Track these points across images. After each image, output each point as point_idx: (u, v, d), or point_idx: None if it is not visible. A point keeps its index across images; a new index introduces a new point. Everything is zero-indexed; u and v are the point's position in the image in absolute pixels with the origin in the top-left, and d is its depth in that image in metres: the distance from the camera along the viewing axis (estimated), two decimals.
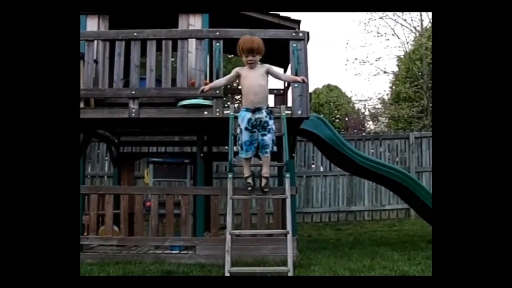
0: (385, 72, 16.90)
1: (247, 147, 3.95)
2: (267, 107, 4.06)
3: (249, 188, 4.12)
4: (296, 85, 4.80)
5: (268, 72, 4.10)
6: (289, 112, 4.69)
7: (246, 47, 3.96)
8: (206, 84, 4.92)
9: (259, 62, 4.10)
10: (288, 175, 4.00)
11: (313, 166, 10.19)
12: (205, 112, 4.80)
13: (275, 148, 3.99)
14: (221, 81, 4.32)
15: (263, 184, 4.10)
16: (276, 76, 4.31)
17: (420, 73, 15.10)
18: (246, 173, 4.14)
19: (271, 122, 3.98)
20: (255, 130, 3.96)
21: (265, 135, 3.94)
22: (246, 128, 3.95)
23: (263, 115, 3.97)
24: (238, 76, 4.15)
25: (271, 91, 6.67)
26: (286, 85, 6.23)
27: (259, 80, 4.02)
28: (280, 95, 6.47)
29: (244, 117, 3.97)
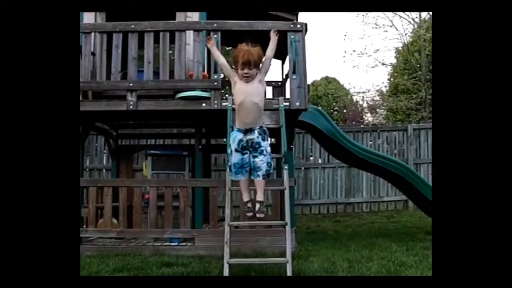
0: (383, 64, 16.90)
1: (237, 170, 3.65)
2: (261, 127, 3.72)
3: (249, 214, 3.69)
4: (294, 76, 4.80)
5: (263, 75, 3.76)
6: (287, 103, 4.70)
7: (242, 60, 3.61)
8: (204, 76, 4.92)
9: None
10: (286, 167, 4.00)
11: (311, 158, 10.19)
12: (203, 104, 4.80)
13: (271, 170, 3.70)
14: (221, 59, 3.99)
15: (256, 209, 3.65)
16: (267, 66, 3.84)
17: (418, 65, 15.07)
18: (245, 197, 3.76)
19: (264, 143, 3.67)
20: (246, 152, 3.65)
21: (256, 157, 3.62)
22: (236, 150, 3.66)
23: (254, 135, 3.65)
24: (232, 81, 3.80)
25: (269, 83, 6.68)
26: (284, 77, 6.21)
27: (253, 97, 3.65)
28: (278, 87, 6.46)
29: (235, 138, 3.68)
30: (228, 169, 3.72)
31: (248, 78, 3.65)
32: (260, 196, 3.67)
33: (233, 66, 3.93)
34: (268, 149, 3.68)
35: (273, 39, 3.79)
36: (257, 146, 3.64)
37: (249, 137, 3.65)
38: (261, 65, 3.69)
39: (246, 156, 3.65)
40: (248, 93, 3.65)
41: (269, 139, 3.77)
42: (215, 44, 4.08)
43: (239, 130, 3.69)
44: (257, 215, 3.64)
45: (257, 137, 3.65)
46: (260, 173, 3.61)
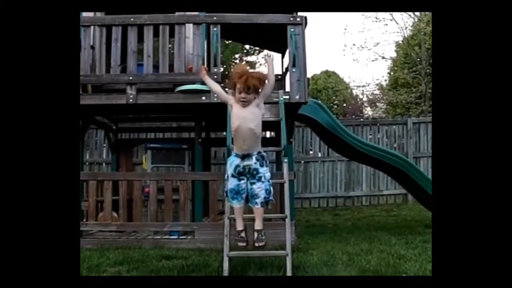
0: (383, 58, 16.87)
1: (233, 196, 3.44)
2: (259, 152, 3.50)
3: (242, 244, 3.43)
4: (294, 70, 4.80)
5: (261, 100, 3.53)
6: (287, 97, 4.70)
7: (240, 84, 3.37)
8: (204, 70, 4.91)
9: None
10: (286, 160, 4.00)
11: (311, 152, 10.20)
12: (203, 98, 4.80)
13: (271, 198, 3.46)
14: (217, 87, 3.80)
15: (255, 238, 3.41)
16: (268, 93, 3.64)
17: (418, 59, 15.04)
18: (239, 226, 3.49)
19: (262, 169, 3.44)
20: (242, 178, 3.45)
21: (254, 183, 3.41)
22: (232, 175, 3.46)
23: (252, 161, 3.44)
24: (228, 104, 3.63)
25: None
26: (284, 70, 6.21)
27: (249, 123, 3.42)
28: (278, 80, 6.45)
29: (232, 163, 3.49)
30: (224, 194, 3.52)
31: (245, 103, 3.43)
32: (258, 225, 3.43)
33: (227, 87, 3.78)
34: (267, 175, 3.46)
35: (269, 64, 3.57)
36: (254, 172, 3.42)
37: (246, 162, 3.44)
38: (260, 89, 3.46)
39: (242, 182, 3.44)
40: (243, 118, 3.43)
41: (268, 164, 3.53)
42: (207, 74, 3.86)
43: (236, 155, 3.49)
44: (256, 244, 3.38)
45: (255, 163, 3.44)
46: (258, 200, 3.40)
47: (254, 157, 3.45)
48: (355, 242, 4.94)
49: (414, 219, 7.14)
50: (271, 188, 3.47)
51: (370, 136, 10.09)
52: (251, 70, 3.48)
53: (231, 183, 3.46)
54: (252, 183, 3.42)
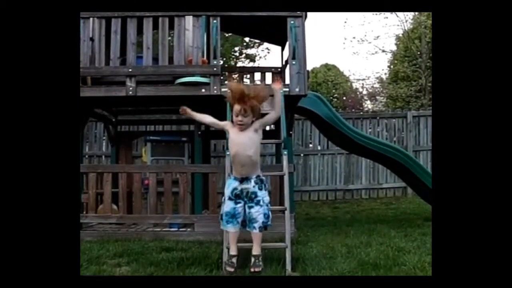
0: (383, 51, 16.84)
1: (228, 219, 3.28)
2: (257, 176, 3.36)
3: (230, 270, 3.15)
4: (294, 62, 4.79)
5: (260, 127, 3.39)
6: (287, 89, 4.69)
7: (236, 107, 3.23)
8: (203, 62, 4.90)
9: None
10: (285, 152, 4.00)
11: (310, 145, 10.20)
12: (203, 90, 4.79)
13: (269, 222, 3.30)
14: (206, 118, 3.66)
15: (251, 263, 3.20)
16: (268, 121, 3.54)
17: (418, 52, 15.01)
18: (232, 250, 3.28)
19: (261, 193, 3.30)
20: (239, 201, 3.30)
21: (252, 207, 3.27)
22: (229, 198, 3.32)
23: (250, 185, 3.30)
24: (225, 130, 3.49)
25: (268, 69, 6.66)
26: (284, 63, 6.20)
27: (247, 150, 3.29)
28: (278, 73, 6.44)
29: (230, 185, 3.36)
30: (219, 217, 3.38)
31: (242, 126, 3.28)
32: (256, 250, 3.24)
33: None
34: (266, 199, 3.32)
35: (277, 93, 3.38)
36: (253, 196, 3.29)
37: (244, 186, 3.31)
38: (259, 108, 3.31)
39: (239, 205, 3.30)
40: (241, 145, 3.30)
41: (267, 188, 3.42)
42: (190, 111, 3.66)
43: (235, 178, 3.36)
44: (252, 270, 3.15)
45: (253, 186, 3.31)
46: (256, 225, 3.24)
47: (252, 181, 3.32)
48: (354, 234, 4.95)
49: (413, 212, 7.16)
50: (270, 213, 3.30)
51: (370, 130, 10.08)
52: (249, 88, 3.26)
53: (227, 206, 3.31)
54: (250, 207, 3.28)
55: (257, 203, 3.27)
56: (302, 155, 9.96)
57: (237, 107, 3.22)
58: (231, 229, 3.28)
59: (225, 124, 3.49)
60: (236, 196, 3.31)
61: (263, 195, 3.31)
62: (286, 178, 3.89)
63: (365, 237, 4.74)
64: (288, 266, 3.37)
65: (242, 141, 3.30)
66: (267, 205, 3.30)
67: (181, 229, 5.11)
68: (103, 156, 9.72)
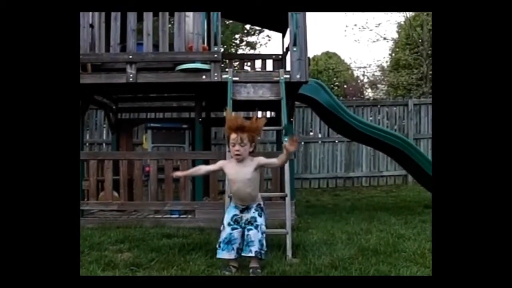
0: (384, 39, 16.78)
1: (224, 246, 3.13)
2: (258, 204, 3.28)
3: (228, 273, 3.04)
4: (294, 49, 4.77)
5: (260, 166, 3.27)
6: (288, 76, 4.67)
7: (233, 136, 3.13)
8: (204, 49, 4.88)
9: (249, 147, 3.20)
10: (286, 139, 3.99)
11: (311, 133, 10.20)
12: (203, 77, 4.77)
13: (264, 250, 3.11)
14: (201, 169, 3.59)
15: (250, 272, 3.06)
16: (270, 165, 3.43)
17: (420, 40, 14.93)
18: (231, 262, 3.16)
19: (260, 219, 3.20)
20: (237, 227, 3.18)
21: (250, 230, 3.14)
22: (228, 224, 3.20)
23: (251, 212, 3.22)
24: (222, 170, 3.35)
25: (269, 56, 6.63)
26: (284, 50, 6.17)
27: (246, 188, 3.19)
28: (279, 60, 6.41)
29: (230, 211, 3.27)
30: (217, 246, 3.20)
31: (239, 157, 3.16)
32: (254, 263, 3.09)
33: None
34: (263, 228, 3.19)
35: (286, 152, 3.17)
36: (252, 220, 3.18)
37: (245, 214, 3.22)
38: (255, 138, 3.20)
39: (235, 231, 3.16)
40: (241, 183, 3.20)
41: (266, 217, 3.30)
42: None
43: (236, 206, 3.28)
44: (252, 274, 3.04)
45: (254, 212, 3.22)
46: (253, 248, 3.07)
47: (253, 208, 3.24)
48: (354, 221, 4.97)
49: (413, 200, 7.18)
50: (265, 242, 3.15)
51: (371, 118, 10.07)
52: (245, 121, 3.15)
53: (224, 232, 3.18)
54: (248, 230, 3.15)
55: (256, 227, 3.15)
56: (302, 142, 9.95)
57: (233, 136, 3.13)
58: (226, 256, 3.11)
59: (221, 165, 3.34)
60: (235, 222, 3.20)
61: (261, 222, 3.21)
62: (286, 165, 3.88)
63: (365, 224, 4.76)
64: (289, 252, 3.39)
65: (241, 178, 3.19)
66: (262, 234, 3.15)
67: (181, 216, 5.13)
68: (104, 144, 9.72)
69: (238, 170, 3.20)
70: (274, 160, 3.28)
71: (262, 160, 3.24)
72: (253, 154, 3.23)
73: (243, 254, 3.10)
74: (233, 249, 3.11)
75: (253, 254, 3.06)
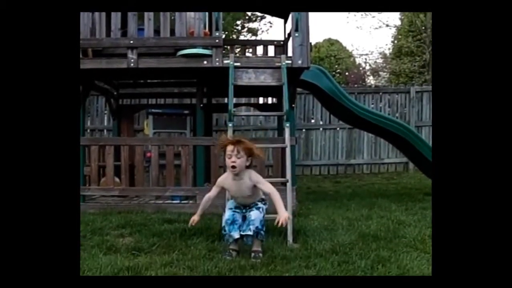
0: (387, 26, 16.65)
1: (229, 227, 3.12)
2: (260, 199, 3.28)
3: (229, 258, 3.00)
4: (296, 34, 4.74)
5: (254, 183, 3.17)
6: (289, 61, 4.64)
7: (229, 148, 3.11)
8: (205, 34, 4.84)
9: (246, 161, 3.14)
10: (288, 124, 3.98)
11: (312, 120, 10.18)
12: (205, 62, 4.74)
13: (263, 231, 3.09)
14: (207, 198, 3.36)
15: (251, 257, 3.03)
16: (264, 190, 3.25)
17: (423, 27, 14.82)
18: (232, 245, 3.17)
19: (261, 204, 3.23)
20: (238, 210, 3.21)
21: (252, 210, 3.15)
22: (230, 208, 3.24)
23: (252, 205, 3.24)
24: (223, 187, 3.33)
25: (271, 42, 6.59)
26: (286, 36, 6.13)
27: (247, 198, 3.22)
28: (280, 46, 6.38)
29: (231, 204, 3.30)
30: (222, 231, 3.20)
31: (235, 169, 3.10)
32: (256, 246, 3.06)
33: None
34: (264, 210, 3.20)
35: (278, 211, 3.05)
36: (253, 205, 3.22)
37: (248, 211, 3.21)
38: (252, 155, 3.15)
39: (237, 213, 3.19)
40: (241, 197, 3.23)
41: (267, 205, 3.28)
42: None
43: (237, 206, 3.28)
44: (253, 260, 2.97)
45: (256, 203, 3.24)
46: (252, 227, 3.06)
47: (254, 202, 3.25)
48: (355, 208, 4.98)
49: (414, 187, 7.19)
50: (264, 225, 3.13)
51: (372, 105, 10.03)
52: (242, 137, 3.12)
53: (226, 214, 3.20)
54: (250, 211, 3.16)
55: (257, 208, 3.18)
56: (304, 129, 9.94)
57: (230, 147, 3.09)
58: (234, 235, 3.09)
59: (220, 184, 3.31)
60: (237, 207, 3.24)
61: (263, 206, 3.22)
62: (288, 150, 3.89)
63: (366, 211, 4.77)
64: (290, 238, 3.40)
65: (243, 195, 3.21)
66: (263, 216, 3.15)
67: (183, 202, 5.14)
68: (105, 130, 9.71)
69: (239, 187, 3.18)
70: (269, 191, 3.13)
71: (259, 183, 3.13)
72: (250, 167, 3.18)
73: (242, 233, 3.08)
74: (237, 227, 3.11)
75: (251, 232, 3.05)
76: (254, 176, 3.15)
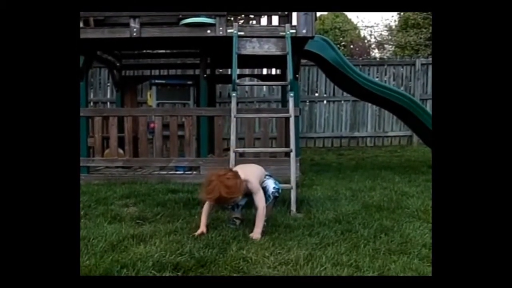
0: None
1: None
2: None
3: (231, 226, 3.00)
4: None
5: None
6: (294, 31, 4.57)
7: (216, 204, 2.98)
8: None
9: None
10: (292, 94, 3.95)
11: (316, 93, 10.11)
12: (208, 31, 4.67)
13: (279, 191, 3.16)
14: (206, 207, 2.98)
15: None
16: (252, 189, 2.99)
17: None
18: (236, 214, 3.14)
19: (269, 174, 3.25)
20: None
21: (267, 180, 3.17)
22: None
23: None
24: None
25: (274, 12, 6.46)
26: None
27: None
28: (285, 17, 6.27)
29: None
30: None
31: (242, 202, 3.08)
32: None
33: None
34: (273, 177, 3.23)
35: (255, 228, 2.86)
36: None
37: None
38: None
39: None
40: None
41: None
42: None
43: None
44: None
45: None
46: (269, 192, 3.08)
47: None
48: (358, 179, 4.99)
49: (418, 160, 7.18)
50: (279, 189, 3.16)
51: (377, 78, 9.93)
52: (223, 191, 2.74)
53: None
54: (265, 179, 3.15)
55: (270, 177, 3.19)
56: (308, 101, 9.90)
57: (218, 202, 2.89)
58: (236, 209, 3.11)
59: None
60: None
61: (270, 176, 3.20)
62: (292, 120, 3.87)
63: (369, 182, 4.78)
64: (293, 207, 3.42)
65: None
66: (276, 184, 3.15)
67: (186, 172, 5.16)
68: (108, 103, 9.68)
69: None
70: (256, 203, 2.94)
71: (253, 193, 2.95)
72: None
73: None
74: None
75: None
76: (249, 185, 2.94)
